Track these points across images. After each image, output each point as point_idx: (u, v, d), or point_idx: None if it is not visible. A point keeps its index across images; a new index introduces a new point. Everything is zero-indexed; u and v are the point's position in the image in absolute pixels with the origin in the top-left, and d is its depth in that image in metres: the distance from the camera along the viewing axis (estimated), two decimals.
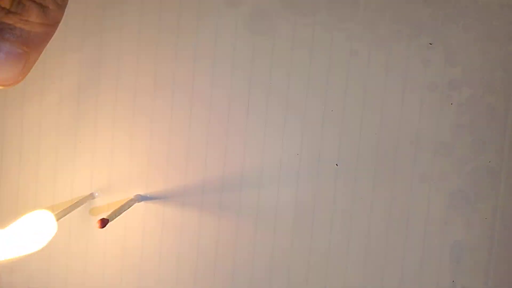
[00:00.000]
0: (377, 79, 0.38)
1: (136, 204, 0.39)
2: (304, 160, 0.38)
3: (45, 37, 0.23)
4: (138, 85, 0.39)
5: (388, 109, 0.38)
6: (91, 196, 0.39)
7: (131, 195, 0.39)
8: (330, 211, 0.39)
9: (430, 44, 0.38)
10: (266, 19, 0.38)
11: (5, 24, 0.20)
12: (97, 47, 0.39)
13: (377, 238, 0.38)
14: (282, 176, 0.39)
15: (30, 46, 0.22)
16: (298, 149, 0.38)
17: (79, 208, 0.37)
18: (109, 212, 0.34)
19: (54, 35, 0.38)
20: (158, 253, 0.39)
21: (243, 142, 0.39)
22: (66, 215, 0.34)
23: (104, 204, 0.39)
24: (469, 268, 0.38)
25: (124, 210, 0.35)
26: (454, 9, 0.38)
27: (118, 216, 0.34)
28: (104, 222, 0.31)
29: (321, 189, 0.38)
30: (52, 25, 0.22)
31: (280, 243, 0.39)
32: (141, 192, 0.39)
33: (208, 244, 0.39)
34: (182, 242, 0.39)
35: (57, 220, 0.32)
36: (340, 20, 0.38)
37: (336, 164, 0.38)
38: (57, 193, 0.39)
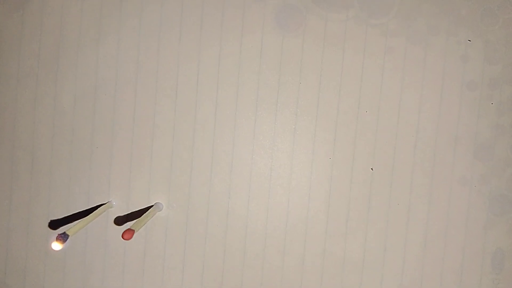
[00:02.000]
0: (413, 77, 0.36)
1: (157, 213, 0.36)
2: (337, 164, 0.36)
3: None
4: (158, 85, 0.36)
5: (425, 110, 0.36)
6: (109, 204, 0.36)
7: (151, 203, 0.37)
8: (365, 218, 0.36)
9: (469, 40, 0.36)
10: (295, 15, 0.36)
11: None
12: (114, 47, 0.36)
13: (415, 246, 0.36)
14: (313, 181, 0.36)
15: None
16: (331, 152, 0.36)
17: (96, 218, 0.34)
18: (133, 222, 0.31)
19: (68, 35, 0.36)
20: (181, 264, 0.37)
21: (271, 145, 0.36)
22: (85, 225, 0.31)
23: (127, 213, 0.36)
24: None
25: (149, 219, 0.32)
26: (494, 3, 0.36)
27: (143, 226, 0.31)
28: (131, 233, 0.28)
29: (355, 195, 0.36)
30: None
31: (311, 251, 0.36)
32: (162, 200, 0.37)
33: (235, 252, 0.37)
34: (207, 252, 0.37)
35: (77, 231, 0.29)
36: (374, 15, 0.36)
37: (371, 169, 0.36)
38: (72, 202, 0.37)
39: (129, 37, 0.36)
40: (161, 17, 0.36)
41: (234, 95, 0.36)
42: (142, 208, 0.36)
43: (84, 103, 0.37)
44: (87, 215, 0.33)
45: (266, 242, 0.37)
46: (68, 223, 0.36)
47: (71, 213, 0.36)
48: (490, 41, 0.36)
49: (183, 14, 0.36)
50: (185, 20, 0.36)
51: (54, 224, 0.36)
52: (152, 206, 0.36)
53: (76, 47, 0.36)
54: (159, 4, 0.36)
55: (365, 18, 0.36)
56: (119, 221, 0.36)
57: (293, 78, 0.36)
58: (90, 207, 0.36)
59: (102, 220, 0.36)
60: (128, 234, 0.28)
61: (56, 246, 0.28)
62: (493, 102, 0.36)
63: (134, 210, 0.36)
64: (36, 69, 0.37)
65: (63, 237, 0.28)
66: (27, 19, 0.36)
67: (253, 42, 0.36)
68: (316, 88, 0.36)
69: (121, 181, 0.37)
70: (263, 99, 0.36)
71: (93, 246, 0.37)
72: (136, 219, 0.31)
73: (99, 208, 0.34)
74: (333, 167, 0.36)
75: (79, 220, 0.31)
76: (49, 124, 0.37)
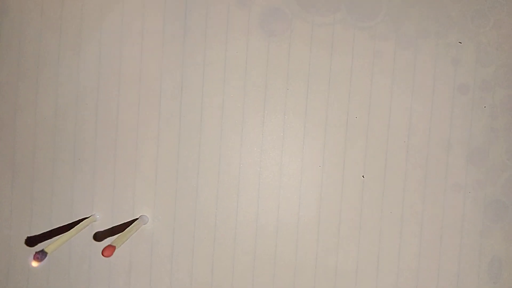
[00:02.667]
0: (403, 81, 0.35)
1: (142, 226, 0.35)
2: (327, 172, 0.35)
3: None
4: (141, 95, 0.35)
5: (416, 115, 0.35)
6: (93, 218, 0.35)
7: (136, 216, 0.35)
8: (357, 228, 0.35)
9: (460, 42, 0.35)
10: (281, 19, 0.35)
11: None
12: (96, 55, 0.35)
13: (409, 255, 0.35)
14: (303, 190, 0.35)
15: None
16: (320, 160, 0.35)
17: (79, 233, 0.33)
18: (115, 237, 0.30)
19: (49, 40, 0.35)
20: (168, 278, 0.36)
21: (259, 154, 0.35)
22: (66, 241, 0.30)
23: (109, 228, 0.35)
24: (510, 285, 0.35)
25: (132, 234, 0.31)
26: (484, 4, 0.35)
27: (126, 241, 0.30)
28: (111, 250, 0.27)
29: (346, 203, 0.35)
30: None
31: (302, 263, 0.35)
32: (148, 213, 0.36)
33: (224, 265, 0.35)
34: (195, 265, 0.35)
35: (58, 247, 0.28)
36: (361, 19, 0.35)
37: (363, 176, 0.35)
38: (54, 215, 0.35)
39: (110, 45, 0.35)
40: (143, 24, 0.35)
41: (219, 103, 0.35)
42: (126, 221, 0.35)
43: (66, 114, 0.35)
44: (70, 229, 0.32)
45: (256, 254, 0.35)
46: (49, 239, 0.34)
47: (53, 227, 0.35)
48: (481, 43, 0.35)
49: (165, 20, 0.35)
50: (168, 26, 0.35)
51: (31, 241, 0.34)
52: (136, 219, 0.34)
53: (56, 55, 0.35)
54: (141, 12, 0.35)
55: (353, 22, 0.35)
56: (100, 236, 0.34)
57: (280, 84, 0.35)
58: (73, 221, 0.35)
59: (86, 234, 0.35)
60: (108, 251, 0.27)
61: (34, 264, 0.27)
62: (486, 106, 0.35)
63: (117, 224, 0.35)
64: (16, 79, 0.36)
65: (40, 256, 0.27)
66: (5, 28, 0.35)
67: (238, 48, 0.35)
68: (304, 94, 0.35)
69: (104, 194, 0.35)
70: (249, 106, 0.35)
71: (77, 262, 0.36)
72: (118, 234, 0.30)
73: (81, 222, 0.33)
74: (323, 175, 0.35)
75: (59, 236, 0.30)
76: (30, 135, 0.36)
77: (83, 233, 0.35)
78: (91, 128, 0.35)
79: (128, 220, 0.35)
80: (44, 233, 0.35)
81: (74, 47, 0.35)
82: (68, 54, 0.35)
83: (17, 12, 0.35)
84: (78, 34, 0.35)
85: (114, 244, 0.28)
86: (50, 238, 0.34)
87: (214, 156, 0.35)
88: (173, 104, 0.35)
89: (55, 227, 0.35)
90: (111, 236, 0.34)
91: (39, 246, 0.35)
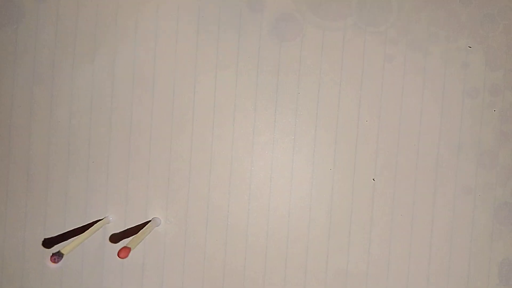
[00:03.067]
0: (413, 85, 0.35)
1: (155, 228, 0.36)
2: (337, 175, 0.35)
3: None
4: (155, 99, 0.36)
5: (426, 118, 0.35)
6: (106, 220, 0.35)
7: (149, 218, 0.36)
8: (368, 230, 0.35)
9: (469, 47, 0.35)
10: (292, 24, 0.35)
11: None
12: (110, 60, 0.36)
13: (419, 257, 0.35)
14: (314, 193, 0.36)
15: None
16: (331, 163, 0.36)
17: (94, 235, 0.34)
18: (130, 239, 0.30)
19: (63, 48, 0.35)
20: (180, 280, 0.36)
21: (270, 157, 0.36)
22: (81, 243, 0.30)
23: (123, 230, 0.35)
24: None
25: (146, 236, 0.32)
26: (494, 9, 0.35)
27: (140, 243, 0.31)
28: (127, 251, 0.27)
29: (357, 206, 0.35)
30: None
31: (313, 265, 0.36)
32: (160, 215, 0.36)
33: (235, 267, 0.36)
34: (206, 267, 0.36)
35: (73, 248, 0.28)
36: (372, 23, 0.35)
37: (373, 179, 0.35)
38: (68, 218, 0.36)
39: (124, 49, 0.36)
40: (156, 29, 0.36)
41: (231, 107, 0.36)
42: (139, 224, 0.35)
43: (80, 117, 0.36)
44: (84, 231, 0.33)
45: (267, 256, 0.36)
46: (64, 241, 0.35)
47: (67, 230, 0.35)
48: (491, 47, 0.35)
49: (178, 25, 0.36)
50: (181, 31, 0.36)
51: (48, 243, 0.35)
52: (149, 221, 0.35)
53: (71, 60, 0.36)
54: (155, 16, 0.36)
55: (364, 26, 0.35)
56: (115, 238, 0.35)
57: (291, 88, 0.35)
58: (86, 223, 0.36)
59: (99, 237, 0.36)
60: (124, 252, 0.27)
61: (51, 265, 0.27)
62: (496, 109, 0.35)
63: (131, 226, 0.35)
64: (31, 83, 0.36)
65: (57, 257, 0.27)
66: (21, 33, 0.36)
67: (250, 52, 0.35)
68: (315, 98, 0.35)
69: (118, 196, 0.36)
70: (261, 110, 0.36)
71: (90, 264, 0.36)
72: (133, 236, 0.30)
73: (95, 224, 0.34)
74: (334, 178, 0.35)
75: (74, 238, 0.30)
76: (45, 138, 0.36)
77: (96, 235, 0.36)
78: (105, 131, 0.36)
79: (141, 222, 0.35)
80: (59, 235, 0.35)
81: (88, 51, 0.36)
82: (82, 58, 0.36)
83: (32, 17, 0.36)
84: (92, 39, 0.36)
85: (129, 246, 0.28)
86: (65, 240, 0.35)
87: (225, 159, 0.36)
88: (186, 107, 0.36)
89: (69, 229, 0.36)
90: (126, 238, 0.35)
91: (55, 248, 0.35)
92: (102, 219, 0.35)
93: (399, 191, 0.35)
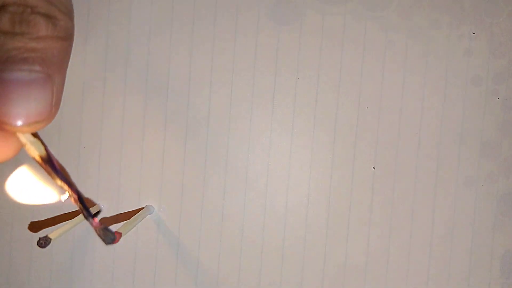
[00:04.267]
0: (415, 72, 0.34)
1: (148, 216, 0.35)
2: (337, 163, 0.34)
3: (64, 54, 0.18)
4: (148, 83, 0.35)
5: (428, 106, 0.34)
6: (97, 207, 0.34)
7: (142, 206, 0.35)
8: (367, 220, 0.34)
9: (473, 33, 0.34)
10: (291, 8, 0.34)
11: (14, 49, 0.16)
12: (103, 42, 0.35)
13: (419, 249, 0.34)
14: (313, 181, 0.35)
15: (51, 67, 0.17)
16: (330, 151, 0.35)
17: (85, 221, 0.32)
18: (121, 225, 0.29)
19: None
20: (173, 271, 0.35)
21: (268, 144, 0.35)
22: (70, 229, 0.29)
23: (114, 215, 0.34)
24: None
25: (138, 222, 0.31)
26: None
27: (131, 230, 0.30)
28: (118, 236, 0.26)
29: (356, 195, 0.34)
30: (66, 38, 0.18)
31: (310, 256, 0.34)
32: (153, 203, 0.35)
33: (231, 257, 0.35)
34: (201, 257, 0.35)
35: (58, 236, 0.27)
36: (373, 8, 0.34)
37: (373, 168, 0.34)
38: (58, 204, 0.35)
39: (118, 32, 0.35)
40: (151, 13, 0.35)
41: (228, 93, 0.35)
42: (132, 210, 0.34)
43: (71, 101, 0.35)
44: (74, 217, 0.31)
45: (263, 247, 0.35)
46: (52, 226, 0.34)
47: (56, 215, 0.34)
48: (495, 34, 0.34)
49: (174, 9, 0.35)
50: (177, 15, 0.35)
51: (35, 226, 0.34)
52: (142, 208, 0.34)
53: None
54: (150, 1, 0.35)
55: (364, 12, 0.34)
56: (105, 222, 0.34)
57: (290, 74, 0.35)
58: (77, 209, 0.34)
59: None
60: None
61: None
62: (499, 97, 0.34)
63: (122, 212, 0.34)
64: None
65: (44, 241, 0.26)
66: None
67: (247, 37, 0.34)
68: (315, 84, 0.35)
69: (110, 183, 0.35)
70: (259, 96, 0.35)
71: (81, 251, 0.35)
72: (124, 221, 0.29)
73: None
74: (333, 166, 0.34)
75: (64, 223, 0.29)
76: None
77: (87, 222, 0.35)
78: (97, 116, 0.35)
79: (134, 209, 0.34)
80: (48, 219, 0.34)
81: (81, 33, 0.35)
82: (75, 44, 0.35)
83: None
84: (85, 25, 0.35)
85: (120, 231, 0.27)
86: (54, 225, 0.34)
87: (222, 146, 0.35)
88: (181, 93, 0.35)
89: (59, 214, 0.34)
90: (116, 223, 0.33)
91: (42, 232, 0.34)
92: (93, 206, 0.34)
93: (400, 180, 0.34)
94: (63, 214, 0.34)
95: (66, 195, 0.19)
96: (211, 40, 0.35)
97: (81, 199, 0.19)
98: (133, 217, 0.30)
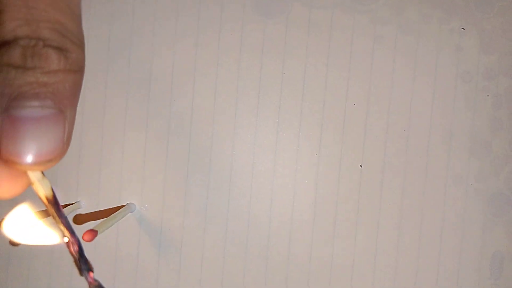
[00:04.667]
0: (404, 68, 0.34)
1: (129, 214, 0.34)
2: (323, 161, 0.34)
3: (76, 87, 0.17)
4: (131, 77, 0.34)
5: (417, 103, 0.34)
6: (77, 205, 0.33)
7: (123, 203, 0.34)
8: (354, 219, 0.34)
9: (463, 29, 0.34)
10: (278, 1, 0.34)
11: (26, 84, 0.15)
12: (85, 38, 0.34)
13: (407, 249, 0.34)
14: (298, 179, 0.34)
15: (63, 101, 0.16)
16: (317, 148, 0.34)
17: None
18: (98, 222, 0.28)
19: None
20: (156, 269, 0.34)
21: (253, 141, 0.34)
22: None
23: (92, 211, 0.33)
24: None
25: (117, 221, 0.30)
26: None
27: (109, 228, 0.29)
28: (92, 235, 0.25)
29: (343, 194, 0.34)
30: (77, 70, 0.17)
31: (296, 255, 0.34)
32: (135, 200, 0.34)
33: (214, 257, 0.34)
34: (183, 257, 0.34)
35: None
36: (362, 2, 0.34)
37: (360, 166, 0.34)
38: (37, 201, 0.34)
39: (101, 30, 0.34)
40: (133, 7, 0.34)
41: (212, 87, 0.34)
42: (112, 207, 0.33)
43: None
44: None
45: (248, 246, 0.34)
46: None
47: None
48: (485, 30, 0.34)
49: (157, 3, 0.34)
50: (160, 6, 0.34)
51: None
52: (123, 206, 0.33)
53: None
54: None
55: (353, 5, 0.33)
56: (80, 219, 0.33)
57: (276, 68, 0.34)
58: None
59: (70, 221, 0.33)
60: (89, 235, 0.25)
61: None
62: (489, 94, 0.34)
63: (101, 209, 0.33)
64: None
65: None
66: None
67: (232, 30, 0.34)
68: (301, 79, 0.34)
69: (90, 180, 0.34)
70: (244, 91, 0.34)
71: (60, 249, 0.34)
72: (102, 219, 0.28)
73: (65, 209, 0.31)
74: (320, 164, 0.34)
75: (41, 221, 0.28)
76: None
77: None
78: (78, 112, 0.34)
79: (114, 206, 0.33)
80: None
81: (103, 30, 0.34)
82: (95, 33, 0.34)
83: None
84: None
85: (96, 229, 0.26)
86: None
87: (205, 142, 0.34)
88: (163, 87, 0.34)
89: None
90: (94, 220, 0.32)
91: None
92: (73, 204, 0.33)
93: (388, 178, 0.34)
94: (40, 211, 0.33)
95: (65, 240, 0.19)
96: (195, 34, 0.34)
97: (81, 250, 0.18)
98: (112, 215, 0.29)
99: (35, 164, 0.16)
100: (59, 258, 0.34)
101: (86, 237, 0.25)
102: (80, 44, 0.17)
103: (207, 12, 0.33)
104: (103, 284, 0.18)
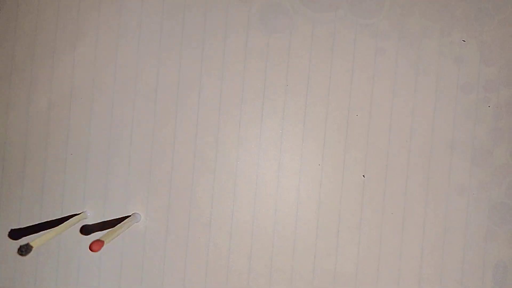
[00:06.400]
0: (406, 80, 0.34)
1: (135, 224, 0.34)
2: (326, 171, 0.34)
3: None
4: (137, 89, 0.34)
5: (419, 114, 0.34)
6: (83, 215, 0.34)
7: (129, 213, 0.34)
8: (357, 229, 0.34)
9: (463, 41, 0.34)
10: (281, 15, 0.34)
11: None
12: (92, 49, 0.34)
13: (410, 258, 0.34)
14: (302, 189, 0.34)
15: None
16: (320, 159, 0.34)
17: (70, 229, 0.32)
18: (105, 232, 0.29)
19: (44, 36, 0.34)
20: (160, 279, 0.34)
21: (257, 151, 0.34)
22: (54, 237, 0.29)
23: (98, 222, 0.33)
24: None
25: (123, 231, 0.30)
26: (489, 2, 0.34)
27: (115, 238, 0.29)
28: (99, 245, 0.26)
29: (346, 203, 0.34)
30: None
31: (300, 265, 0.34)
32: (140, 210, 0.34)
33: (219, 267, 0.34)
34: (188, 266, 0.34)
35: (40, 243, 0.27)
36: (363, 15, 0.34)
37: (363, 176, 0.34)
38: (44, 212, 0.34)
39: (107, 39, 0.35)
40: (141, 18, 0.34)
41: (217, 99, 0.34)
42: (118, 217, 0.34)
43: (59, 108, 0.35)
44: (59, 224, 0.31)
45: (252, 256, 0.34)
46: (35, 233, 0.33)
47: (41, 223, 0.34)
48: (485, 42, 0.34)
49: (164, 14, 0.34)
50: (166, 20, 0.34)
51: (15, 234, 0.33)
52: (129, 216, 0.33)
53: (52, 48, 0.35)
54: (139, 6, 0.35)
55: (355, 19, 0.34)
56: (87, 230, 0.33)
57: (279, 81, 0.34)
58: (62, 217, 0.34)
59: (76, 231, 0.34)
60: (96, 246, 0.26)
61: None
62: (490, 105, 0.34)
63: (108, 219, 0.33)
64: (10, 71, 0.35)
65: (25, 249, 0.25)
66: (1, 20, 0.35)
67: (237, 43, 0.34)
68: (304, 91, 0.34)
69: (96, 190, 0.34)
70: (248, 103, 0.34)
71: (66, 259, 0.34)
72: (108, 230, 0.29)
73: (71, 219, 0.32)
74: (323, 174, 0.34)
75: (47, 231, 0.28)
76: (22, 128, 0.35)
77: (74, 230, 0.34)
78: (84, 123, 0.34)
79: (120, 217, 0.34)
80: (31, 226, 0.33)
81: (70, 41, 0.35)
82: (63, 48, 0.35)
83: (13, 5, 0.35)
84: (74, 28, 0.35)
85: (103, 239, 0.27)
86: (38, 232, 0.33)
87: (210, 153, 0.34)
88: (169, 99, 0.34)
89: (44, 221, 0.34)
90: (101, 231, 0.33)
91: (24, 240, 0.33)
92: (79, 214, 0.33)
93: (390, 188, 0.34)
94: (47, 221, 0.33)
95: None
96: (200, 47, 0.34)
97: None
98: (118, 225, 0.30)
99: None
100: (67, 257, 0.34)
101: (93, 248, 0.25)
102: None
103: (211, 26, 0.34)
104: None
